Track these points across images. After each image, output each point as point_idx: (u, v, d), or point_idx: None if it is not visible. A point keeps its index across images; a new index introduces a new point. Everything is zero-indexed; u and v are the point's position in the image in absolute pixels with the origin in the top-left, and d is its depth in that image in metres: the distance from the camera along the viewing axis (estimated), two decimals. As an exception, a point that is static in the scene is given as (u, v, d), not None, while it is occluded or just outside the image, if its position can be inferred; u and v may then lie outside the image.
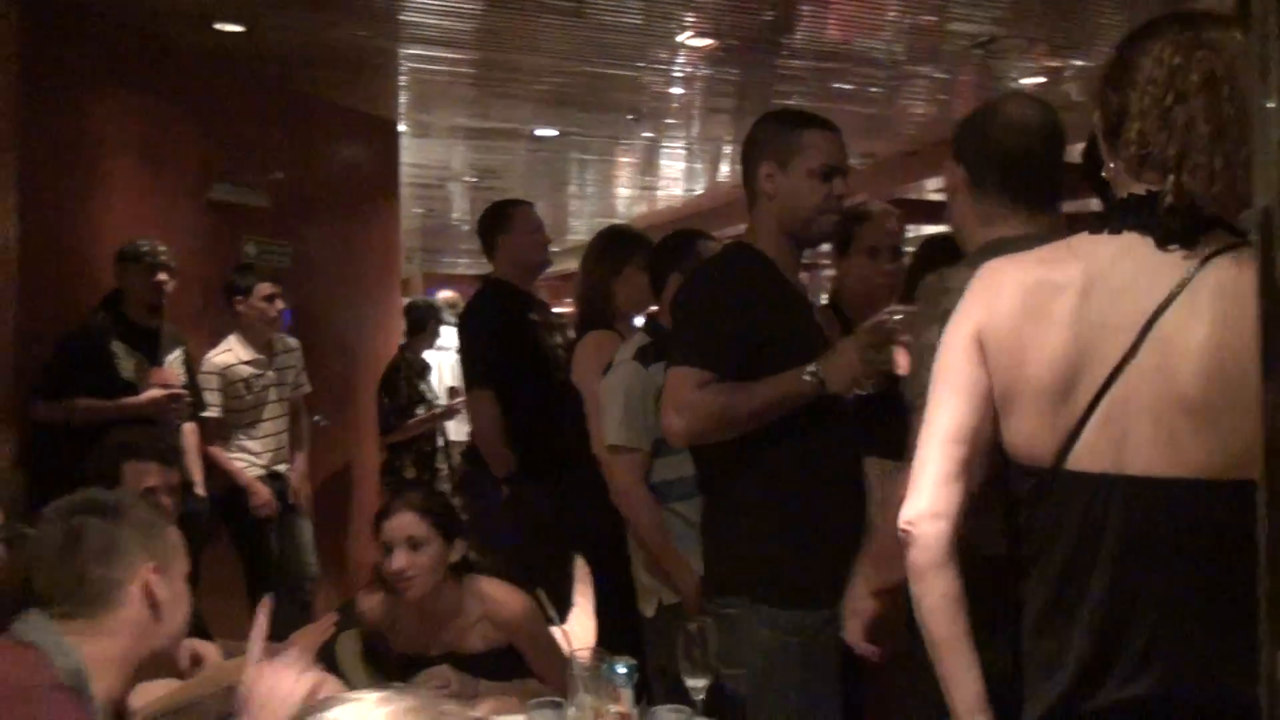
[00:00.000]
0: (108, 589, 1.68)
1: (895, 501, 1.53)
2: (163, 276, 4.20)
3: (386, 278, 6.89)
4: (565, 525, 3.58)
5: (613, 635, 3.25)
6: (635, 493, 2.87)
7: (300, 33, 4.90)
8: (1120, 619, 1.34)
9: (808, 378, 2.22)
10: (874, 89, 5.91)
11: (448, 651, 2.50)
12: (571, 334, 3.83)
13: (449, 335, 6.03)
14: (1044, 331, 1.38)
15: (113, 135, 4.62)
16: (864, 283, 2.93)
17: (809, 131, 2.37)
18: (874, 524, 2.30)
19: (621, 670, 2.04)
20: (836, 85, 5.75)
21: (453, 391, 6.04)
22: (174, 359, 4.29)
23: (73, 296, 4.25)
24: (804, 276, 2.67)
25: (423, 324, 6.16)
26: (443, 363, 6.46)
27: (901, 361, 2.31)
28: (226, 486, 4.54)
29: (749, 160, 2.42)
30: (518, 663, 2.52)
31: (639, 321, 3.38)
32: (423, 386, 5.96)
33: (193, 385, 4.38)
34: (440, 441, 6.06)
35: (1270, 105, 0.89)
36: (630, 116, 6.73)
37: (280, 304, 4.65)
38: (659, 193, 9.92)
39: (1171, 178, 1.34)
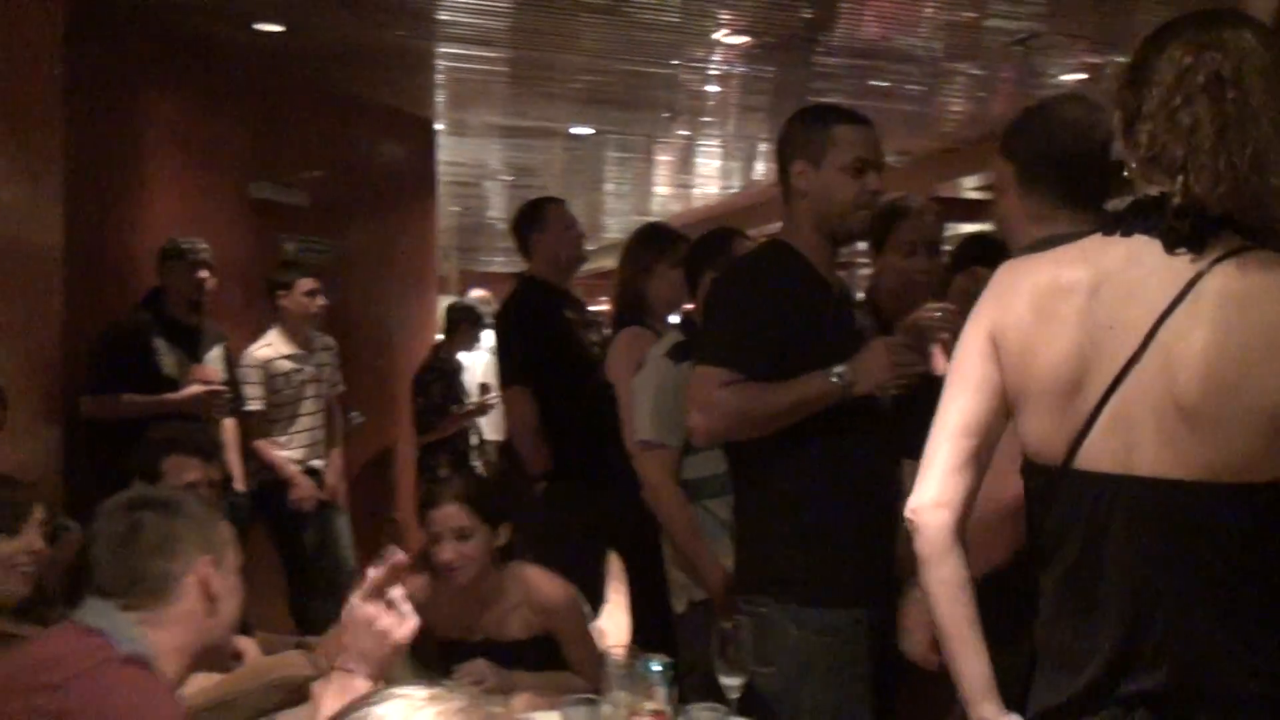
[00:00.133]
0: (165, 582, 1.71)
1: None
2: (204, 274, 4.25)
3: (423, 275, 6.94)
4: (600, 522, 3.58)
5: (647, 632, 3.26)
6: (664, 489, 2.87)
7: (339, 32, 4.94)
8: (1132, 615, 1.36)
9: (835, 379, 2.20)
10: (911, 86, 5.87)
11: (487, 638, 2.53)
12: (607, 331, 3.84)
13: (489, 335, 6.06)
14: (1053, 332, 1.40)
15: (156, 134, 4.68)
16: (900, 280, 2.89)
17: (840, 127, 2.34)
18: None
19: (657, 668, 2.04)
20: (873, 82, 5.72)
21: (484, 388, 6.07)
22: (214, 356, 4.34)
23: (117, 293, 4.31)
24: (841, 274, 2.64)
25: (454, 326, 6.20)
26: (475, 361, 6.49)
27: (940, 361, 2.30)
28: (261, 482, 4.58)
29: (782, 158, 2.41)
30: (555, 654, 2.54)
31: (675, 319, 3.38)
32: (456, 386, 5.99)
33: (233, 381, 4.43)
34: (475, 439, 6.09)
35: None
36: (666, 114, 6.72)
37: (321, 300, 4.69)
38: (695, 191, 9.91)
39: (1180, 179, 1.35)
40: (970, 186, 8.16)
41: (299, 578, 4.65)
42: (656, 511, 2.92)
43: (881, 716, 2.33)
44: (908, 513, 1.50)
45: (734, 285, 2.42)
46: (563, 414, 3.73)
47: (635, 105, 6.43)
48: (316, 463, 4.74)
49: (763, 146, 7.69)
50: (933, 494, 1.48)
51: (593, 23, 4.80)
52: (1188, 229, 1.35)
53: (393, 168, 6.46)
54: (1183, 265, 1.35)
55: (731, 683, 2.05)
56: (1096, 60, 5.31)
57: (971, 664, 1.46)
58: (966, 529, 1.49)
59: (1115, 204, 2.65)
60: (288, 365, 4.63)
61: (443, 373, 5.95)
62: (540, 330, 3.82)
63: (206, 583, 1.75)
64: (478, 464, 5.97)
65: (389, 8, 4.66)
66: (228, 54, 5.04)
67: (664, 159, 8.51)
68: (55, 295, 4.10)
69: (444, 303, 7.04)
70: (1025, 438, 1.45)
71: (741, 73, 5.69)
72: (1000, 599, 1.54)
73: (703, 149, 8.01)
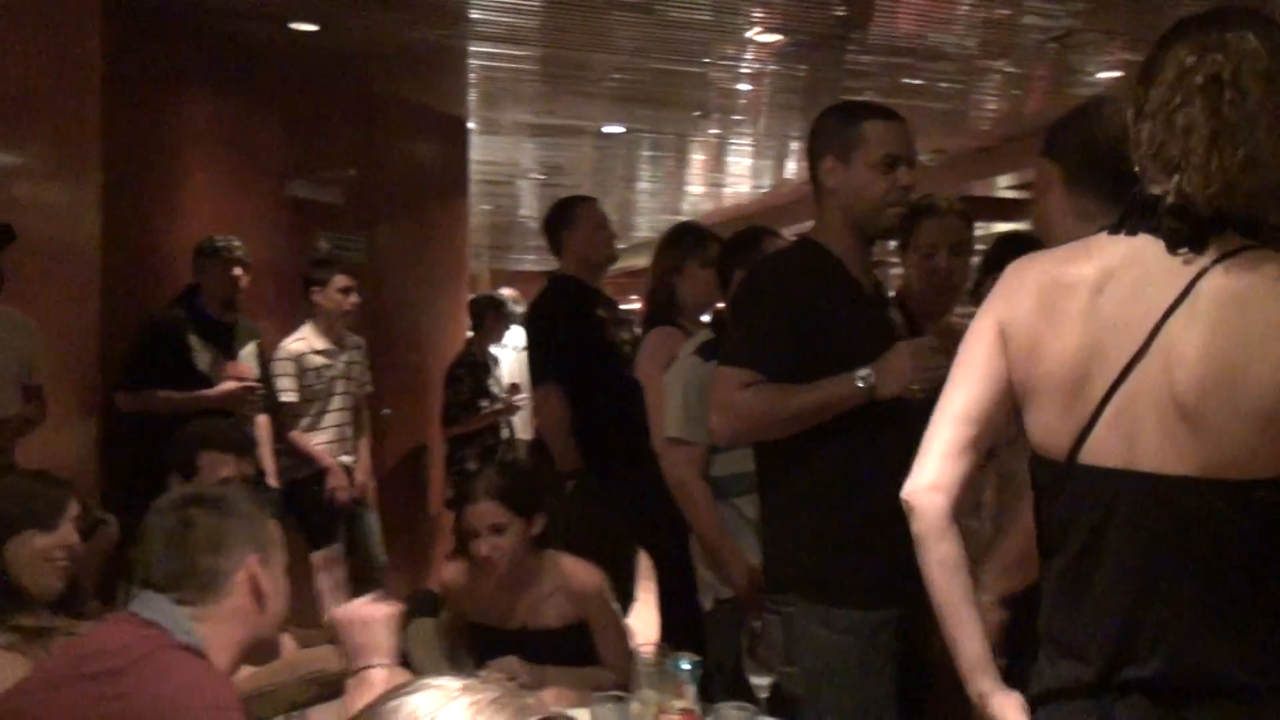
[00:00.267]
0: (216, 578, 1.75)
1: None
2: (238, 272, 4.29)
3: (455, 274, 6.97)
4: (630, 520, 3.59)
5: (676, 631, 3.26)
6: (691, 485, 2.87)
7: (373, 31, 4.97)
8: (1129, 606, 1.40)
9: (859, 383, 2.18)
10: (945, 84, 5.83)
11: (521, 626, 2.59)
12: (638, 330, 3.84)
13: (518, 333, 6.08)
14: (1058, 329, 1.43)
15: (192, 133, 4.73)
16: (921, 281, 2.86)
17: (869, 122, 2.32)
18: (994, 531, 2.27)
19: (685, 666, 2.05)
20: (906, 80, 5.68)
21: (514, 388, 6.09)
22: (248, 353, 4.37)
23: (154, 290, 4.36)
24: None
25: (479, 319, 6.22)
26: (505, 359, 6.51)
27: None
28: (292, 478, 4.62)
29: (812, 155, 2.39)
30: (588, 643, 2.58)
31: (707, 319, 3.38)
32: (488, 381, 6.01)
33: (265, 378, 4.46)
34: (504, 435, 6.11)
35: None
36: (697, 113, 6.71)
37: (354, 297, 4.73)
38: (726, 190, 9.89)
39: (1175, 178, 1.38)
40: (1005, 185, 8.10)
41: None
42: (683, 508, 2.92)
43: (909, 717, 2.31)
44: (905, 495, 1.54)
45: (759, 285, 2.41)
46: (593, 412, 3.73)
47: (667, 104, 6.43)
48: (345, 458, 4.77)
49: (794, 145, 7.66)
50: (931, 477, 1.52)
51: (625, 21, 4.80)
52: (1185, 228, 1.38)
53: (425, 166, 6.49)
54: (1184, 265, 1.38)
55: (760, 682, 2.05)
56: (1133, 57, 5.24)
57: (969, 640, 1.52)
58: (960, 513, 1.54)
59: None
60: (319, 360, 4.67)
61: (472, 367, 5.97)
62: (571, 329, 3.83)
63: (255, 579, 1.78)
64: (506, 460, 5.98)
65: (422, 7, 4.68)
66: (263, 53, 5.08)
67: (695, 158, 8.49)
68: (93, 292, 4.16)
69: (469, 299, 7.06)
70: (1032, 433, 1.48)
71: (773, 71, 5.67)
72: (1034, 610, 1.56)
73: (734, 147, 7.99)
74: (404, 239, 6.13)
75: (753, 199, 10.05)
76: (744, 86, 6.04)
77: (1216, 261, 1.37)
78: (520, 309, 6.35)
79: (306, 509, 4.62)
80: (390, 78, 5.79)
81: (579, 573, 2.62)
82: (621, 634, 2.50)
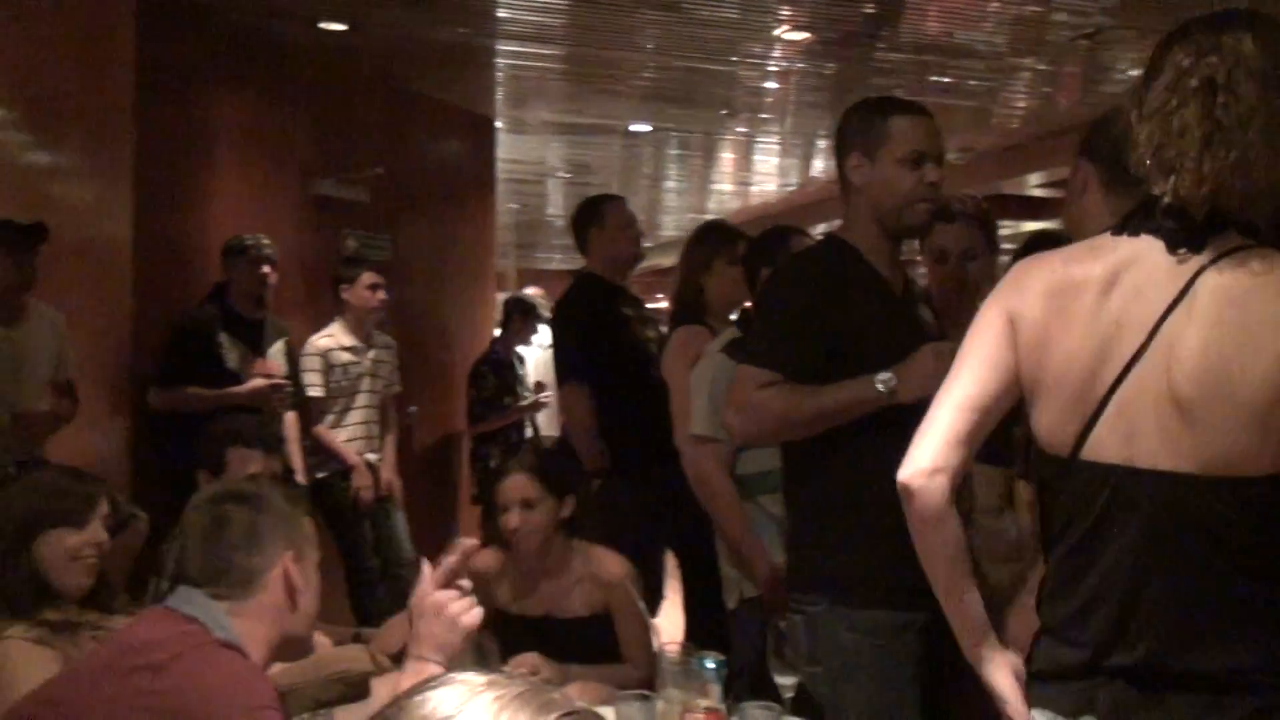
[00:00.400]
0: (251, 575, 1.76)
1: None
2: (267, 270, 4.32)
3: (482, 272, 6.99)
4: (656, 519, 3.58)
5: (702, 630, 3.26)
6: (717, 482, 2.86)
7: (401, 30, 4.99)
8: (1121, 597, 1.44)
9: (880, 386, 2.15)
10: (974, 82, 5.80)
11: (547, 614, 2.62)
12: (664, 329, 3.83)
13: (546, 332, 6.09)
14: (1065, 329, 1.46)
15: (222, 132, 4.76)
16: (935, 285, 2.81)
17: (895, 118, 2.28)
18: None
19: (711, 665, 2.04)
20: (935, 78, 5.66)
21: (539, 386, 6.11)
22: (276, 350, 4.41)
23: (183, 288, 4.40)
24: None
25: (507, 319, 6.23)
26: (531, 357, 6.53)
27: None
28: (320, 476, 4.64)
29: (838, 152, 2.37)
30: (611, 636, 2.60)
31: (734, 317, 3.37)
32: (512, 380, 6.03)
33: (294, 375, 4.49)
34: (529, 433, 6.13)
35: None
36: (724, 111, 6.70)
37: (382, 294, 4.75)
38: (753, 188, 9.87)
39: (1171, 179, 1.41)
40: (1035, 184, 8.04)
41: (357, 570, 4.71)
42: (708, 506, 2.91)
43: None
44: (904, 479, 1.55)
45: (783, 284, 2.39)
46: (619, 411, 3.73)
47: (694, 102, 6.42)
48: (371, 456, 4.80)
49: (821, 143, 7.64)
50: (930, 462, 1.54)
51: (652, 19, 4.80)
52: (1182, 229, 1.41)
53: (452, 164, 6.51)
54: (1183, 264, 1.41)
55: (785, 681, 2.04)
56: (1165, 55, 5.19)
57: (970, 613, 1.60)
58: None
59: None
60: (346, 357, 4.69)
61: (497, 365, 5.99)
62: (597, 327, 3.83)
63: (289, 576, 1.79)
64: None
65: (450, 6, 4.70)
66: (293, 53, 5.12)
67: (722, 156, 8.48)
68: (124, 290, 4.20)
69: (502, 298, 7.09)
70: (1037, 429, 1.51)
71: (801, 69, 5.66)
72: None
73: (761, 146, 7.97)
74: (431, 237, 6.15)
75: (779, 197, 10.02)
76: (771, 85, 6.02)
77: (1214, 261, 1.40)
78: (548, 308, 6.37)
79: (332, 506, 4.65)
80: (418, 77, 5.81)
81: (607, 560, 2.66)
82: (644, 626, 2.51)
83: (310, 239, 5.17)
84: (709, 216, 8.99)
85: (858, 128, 2.33)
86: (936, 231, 2.72)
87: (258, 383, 4.19)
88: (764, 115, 6.86)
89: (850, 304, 2.25)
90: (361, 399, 4.76)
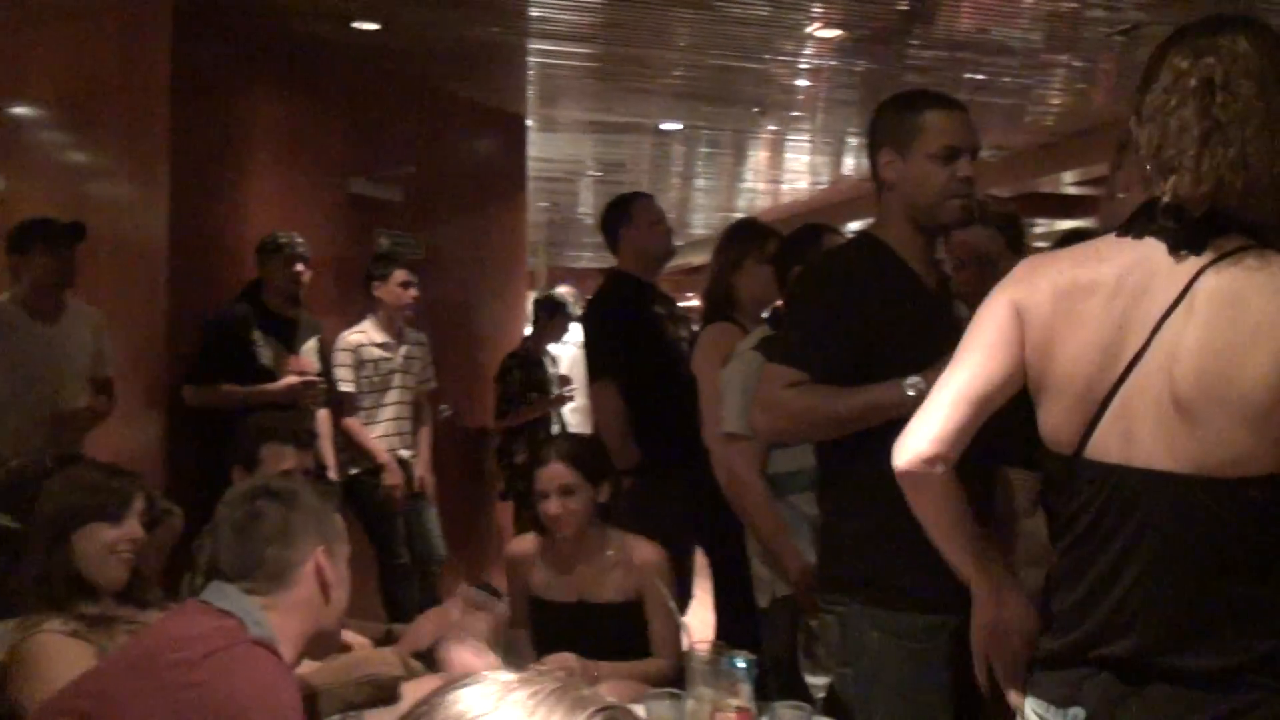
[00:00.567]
0: (284, 569, 1.78)
1: None
2: (300, 268, 4.35)
3: (513, 270, 7.01)
4: (686, 518, 3.58)
5: (732, 628, 3.25)
6: (749, 480, 2.85)
7: (433, 29, 5.01)
8: (1115, 591, 1.47)
9: (910, 391, 2.09)
10: (1008, 79, 5.75)
11: (581, 599, 2.68)
12: (695, 327, 3.83)
13: (578, 330, 6.10)
14: (1072, 331, 1.48)
15: (256, 131, 4.80)
16: (959, 287, 2.77)
17: (927, 113, 2.25)
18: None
19: (741, 664, 2.03)
20: (969, 75, 5.61)
21: (564, 380, 6.12)
22: (309, 347, 4.44)
23: (218, 286, 4.44)
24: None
25: (536, 317, 6.27)
26: (561, 355, 6.55)
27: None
28: (353, 472, 4.67)
29: (871, 147, 2.34)
30: (642, 624, 2.64)
31: (766, 315, 3.36)
32: (539, 376, 6.04)
33: (327, 372, 4.52)
34: (556, 429, 6.14)
35: None
36: (756, 109, 6.68)
37: (414, 291, 4.78)
38: (783, 186, 9.84)
39: (1171, 179, 1.44)
40: (1070, 182, 7.96)
41: (389, 566, 4.73)
42: (740, 504, 2.90)
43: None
44: (905, 465, 1.58)
45: (814, 282, 2.36)
46: (650, 409, 3.73)
47: (725, 100, 6.41)
48: (404, 453, 4.82)
49: (853, 141, 7.60)
50: (931, 448, 1.56)
51: (684, 17, 4.80)
52: (1183, 229, 1.43)
53: (484, 163, 6.53)
54: (1184, 265, 1.43)
55: (816, 681, 2.03)
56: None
57: (968, 562, 1.67)
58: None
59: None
60: (377, 353, 4.72)
61: (523, 361, 6.01)
62: (628, 325, 3.83)
63: (321, 571, 1.81)
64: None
65: (482, 4, 4.71)
66: (326, 52, 5.15)
67: (753, 154, 8.46)
68: (161, 288, 4.24)
69: (532, 298, 7.12)
70: (1043, 427, 1.55)
71: (833, 66, 5.63)
72: None
73: (792, 144, 7.95)
74: (463, 236, 6.18)
75: (810, 195, 9.99)
76: (803, 82, 6.00)
77: (1214, 261, 1.42)
78: (579, 306, 6.39)
79: (365, 503, 4.68)
80: (450, 75, 5.83)
81: (641, 546, 2.71)
82: (671, 615, 2.54)
83: (343, 237, 5.21)
84: (739, 215, 8.96)
85: (890, 123, 2.30)
86: (955, 237, 2.69)
87: (291, 380, 4.23)
88: (795, 113, 6.83)
89: (882, 303, 2.22)
90: (393, 395, 4.79)
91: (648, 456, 3.75)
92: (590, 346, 4.00)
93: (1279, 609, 1.42)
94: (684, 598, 3.63)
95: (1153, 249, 1.46)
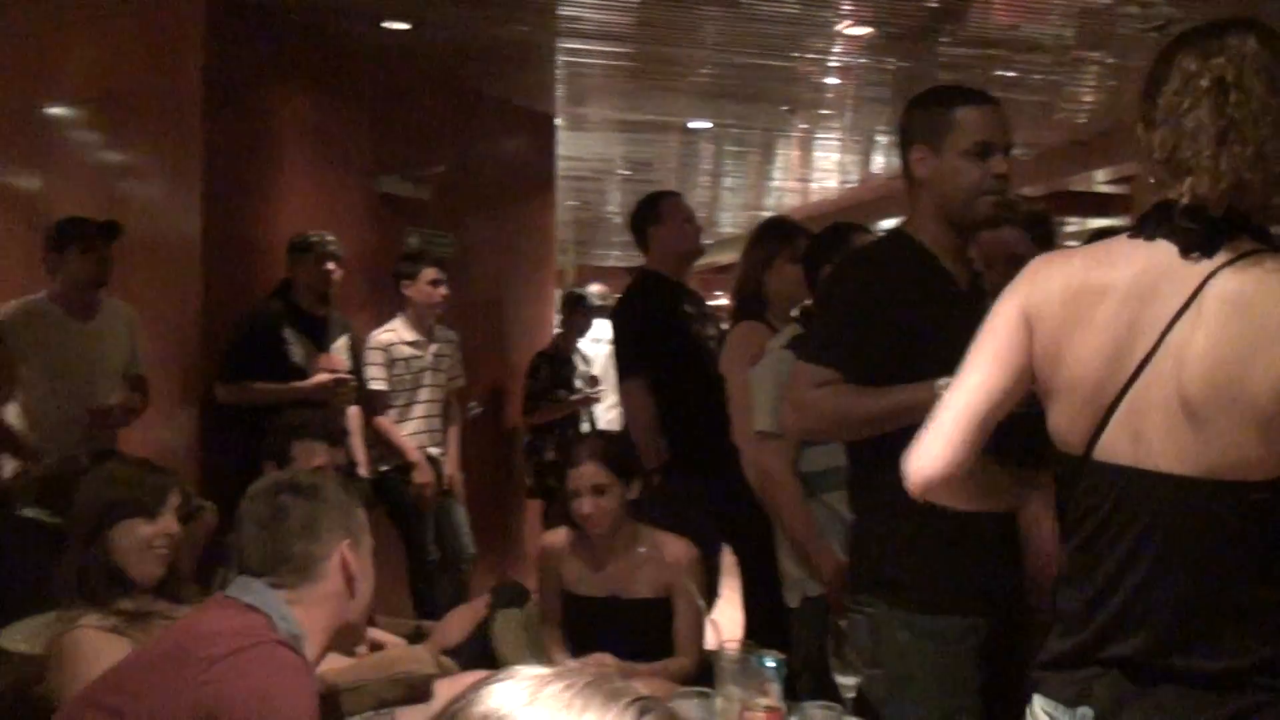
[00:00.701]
0: (310, 563, 1.79)
1: None
2: (331, 266, 4.38)
3: (542, 269, 7.02)
4: (715, 516, 3.58)
5: (760, 628, 3.25)
6: (781, 478, 2.84)
7: (463, 29, 5.03)
8: (1123, 592, 1.48)
9: (942, 392, 2.09)
10: (1039, 76, 5.70)
11: (611, 594, 2.71)
12: (725, 326, 3.83)
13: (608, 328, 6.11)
14: (1082, 335, 1.48)
15: (289, 130, 4.84)
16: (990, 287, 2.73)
17: (961, 109, 2.22)
18: None
19: (770, 664, 2.03)
20: (999, 73, 5.57)
21: (593, 380, 6.12)
22: (340, 345, 4.46)
23: (251, 284, 4.47)
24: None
25: (565, 314, 6.29)
26: (594, 354, 6.55)
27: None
28: (383, 470, 4.70)
29: (902, 144, 2.30)
30: (670, 623, 2.65)
31: (796, 314, 3.35)
32: (568, 373, 6.05)
33: (357, 370, 4.55)
34: (585, 427, 6.15)
35: None
36: (785, 108, 6.66)
37: (444, 289, 4.80)
38: (812, 185, 9.80)
39: (1188, 180, 1.43)
40: (1101, 180, 7.89)
41: (418, 564, 4.76)
42: (771, 501, 2.89)
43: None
44: (919, 481, 1.60)
45: (844, 280, 2.35)
46: (679, 407, 3.73)
47: (754, 98, 6.39)
48: (434, 450, 4.84)
49: (882, 139, 7.56)
50: (945, 464, 1.57)
51: (713, 15, 4.79)
52: (1198, 231, 1.43)
53: (514, 162, 6.55)
54: (1195, 268, 1.43)
55: (846, 681, 2.02)
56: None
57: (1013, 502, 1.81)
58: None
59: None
60: (408, 351, 4.75)
61: (552, 359, 6.02)
62: (657, 323, 3.83)
63: (346, 564, 1.81)
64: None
65: (511, 3, 4.72)
66: (356, 52, 5.18)
67: (782, 153, 8.43)
68: (194, 286, 4.29)
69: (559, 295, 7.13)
70: (1053, 428, 1.55)
71: (862, 64, 5.61)
72: None
73: (821, 142, 7.92)
74: (492, 234, 6.20)
75: (839, 194, 9.95)
76: (832, 80, 5.98)
77: (1225, 265, 1.42)
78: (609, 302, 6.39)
79: (395, 500, 4.71)
80: (480, 75, 5.85)
81: (672, 543, 2.75)
82: (698, 613, 2.55)
83: (374, 236, 5.24)
84: (768, 213, 8.93)
85: (922, 118, 2.27)
86: (981, 238, 2.64)
87: (322, 377, 4.25)
88: (824, 111, 6.80)
89: (914, 301, 2.20)
90: (424, 393, 4.81)
91: (676, 455, 3.76)
92: (619, 345, 4.01)
93: None
94: (711, 596, 3.63)
95: (1164, 251, 1.46)
